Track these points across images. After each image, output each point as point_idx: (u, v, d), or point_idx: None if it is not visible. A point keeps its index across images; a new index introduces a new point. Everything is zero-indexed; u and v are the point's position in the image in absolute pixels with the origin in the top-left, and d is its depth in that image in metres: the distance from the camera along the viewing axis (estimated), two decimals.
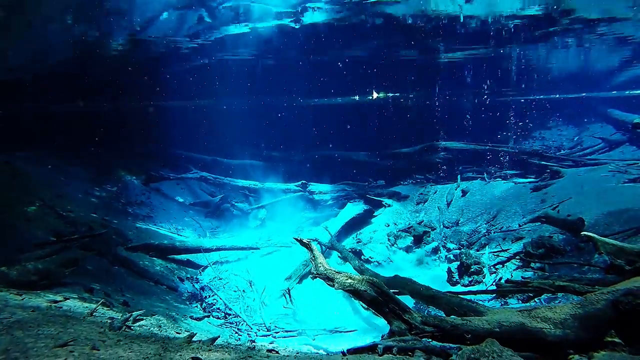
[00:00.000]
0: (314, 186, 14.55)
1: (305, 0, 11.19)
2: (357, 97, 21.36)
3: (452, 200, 12.62)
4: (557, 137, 19.29)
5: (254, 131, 19.84)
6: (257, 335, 6.70)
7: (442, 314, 4.94)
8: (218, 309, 7.64)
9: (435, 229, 11.26)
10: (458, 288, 8.10)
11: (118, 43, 12.72)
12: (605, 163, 12.60)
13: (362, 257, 9.92)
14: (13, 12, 9.25)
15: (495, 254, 8.93)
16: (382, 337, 4.16)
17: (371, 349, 3.67)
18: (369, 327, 7.07)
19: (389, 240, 10.84)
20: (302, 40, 13.61)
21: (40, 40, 11.37)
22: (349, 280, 4.34)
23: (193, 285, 8.37)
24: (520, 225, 9.82)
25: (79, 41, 11.89)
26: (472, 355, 2.80)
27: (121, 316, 4.63)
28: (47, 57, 12.32)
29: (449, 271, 8.67)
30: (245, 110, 21.89)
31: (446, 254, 9.94)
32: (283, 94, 19.79)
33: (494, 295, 7.01)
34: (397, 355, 3.48)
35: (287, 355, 3.95)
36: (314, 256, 4.95)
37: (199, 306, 7.65)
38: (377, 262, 9.92)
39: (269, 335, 6.77)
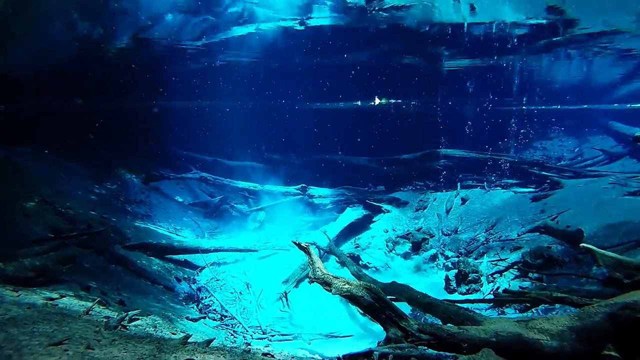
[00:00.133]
0: (314, 190, 14.54)
1: (310, 5, 11.26)
2: (359, 103, 21.39)
3: (451, 208, 12.62)
4: (557, 148, 19.31)
5: (255, 133, 19.86)
6: (252, 338, 6.67)
7: (439, 322, 4.93)
8: (214, 310, 7.61)
9: (434, 236, 11.24)
10: (455, 296, 8.08)
11: (122, 42, 12.77)
12: (605, 175, 12.60)
13: (360, 262, 9.89)
14: (18, 9, 9.28)
15: (493, 262, 8.91)
16: (378, 343, 4.15)
17: (367, 355, 3.66)
18: (365, 333, 7.04)
19: (387, 246, 10.82)
20: (305, 44, 13.67)
21: (44, 38, 11.42)
22: (347, 286, 4.33)
23: (190, 286, 8.35)
24: (519, 235, 9.81)
25: (83, 39, 11.94)
26: None
27: (117, 315, 4.62)
28: (51, 54, 12.35)
29: (447, 279, 8.64)
30: (246, 113, 21.93)
31: (444, 261, 9.92)
32: (285, 97, 19.83)
33: (491, 304, 7.00)
34: None
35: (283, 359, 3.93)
36: (311, 260, 4.94)
37: (195, 307, 7.62)
38: (374, 267, 9.89)
39: (264, 339, 6.74)
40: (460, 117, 19.75)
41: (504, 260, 8.87)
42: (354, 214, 12.52)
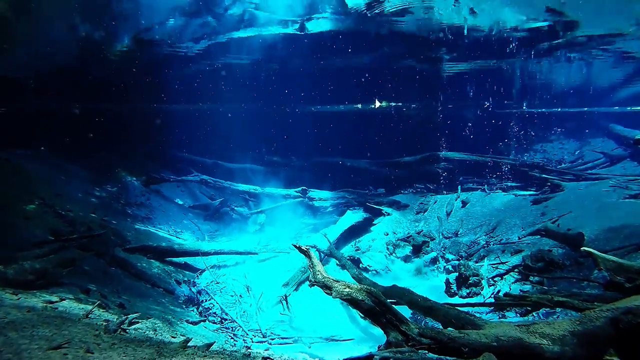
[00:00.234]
0: (314, 192, 14.54)
1: (310, 9, 11.30)
2: (359, 106, 21.41)
3: (452, 211, 12.62)
4: (558, 151, 19.30)
5: (255, 136, 19.87)
6: (252, 342, 6.65)
7: (439, 325, 4.92)
8: (214, 313, 7.59)
9: (434, 239, 11.22)
10: (456, 299, 8.07)
11: (122, 44, 12.80)
12: (606, 178, 12.59)
13: (361, 265, 9.88)
14: (19, 11, 9.30)
15: (494, 266, 8.89)
16: (378, 347, 4.13)
17: (367, 359, 3.64)
18: (366, 337, 7.02)
19: (387, 249, 10.81)
20: (306, 47, 13.70)
21: (44, 39, 11.45)
22: (347, 289, 4.32)
23: (190, 289, 8.33)
24: (519, 238, 9.80)
25: (84, 41, 11.97)
26: None
27: (117, 318, 4.61)
28: (51, 56, 12.38)
29: (447, 282, 8.63)
30: (247, 115, 21.95)
31: (445, 264, 9.90)
32: (286, 100, 19.85)
33: (492, 308, 6.98)
34: None
35: None
36: (312, 264, 4.93)
37: (195, 310, 7.61)
38: (375, 270, 9.88)
39: (264, 342, 6.72)
40: (460, 120, 19.76)
41: (504, 263, 8.85)
42: (354, 216, 12.51)
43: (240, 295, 8.45)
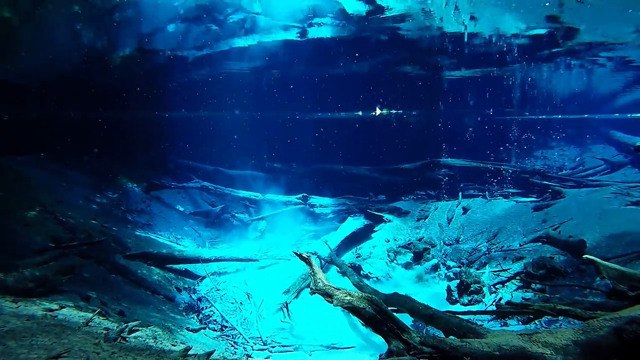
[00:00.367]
0: (315, 199, 14.53)
1: (311, 15, 11.36)
2: (360, 113, 21.48)
3: (453, 218, 12.58)
4: (559, 157, 19.31)
5: (256, 143, 19.92)
6: (253, 349, 6.61)
7: (441, 334, 4.88)
8: (215, 320, 7.55)
9: (435, 246, 11.19)
10: (457, 307, 8.02)
11: (124, 51, 12.87)
12: (607, 185, 12.57)
13: (361, 272, 9.84)
14: (23, 18, 9.38)
15: (495, 273, 8.85)
16: (380, 356, 4.10)
17: None
18: (367, 345, 6.97)
19: (388, 256, 10.77)
20: (307, 54, 13.76)
21: (48, 47, 11.52)
22: (348, 297, 4.30)
23: (190, 296, 8.29)
24: (521, 245, 9.77)
25: (86, 48, 12.04)
26: None
27: (117, 327, 4.58)
28: (54, 63, 12.46)
29: (449, 289, 8.58)
30: (248, 122, 22.02)
31: (446, 271, 9.86)
32: (287, 106, 19.92)
33: (493, 315, 6.93)
34: None
35: None
36: (313, 271, 4.92)
37: (195, 317, 7.57)
38: (376, 277, 9.83)
39: (265, 350, 6.68)
40: (461, 127, 19.80)
41: (506, 270, 8.81)
42: (355, 223, 12.48)
43: (240, 303, 8.40)
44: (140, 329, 5.03)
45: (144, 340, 4.70)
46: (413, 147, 18.42)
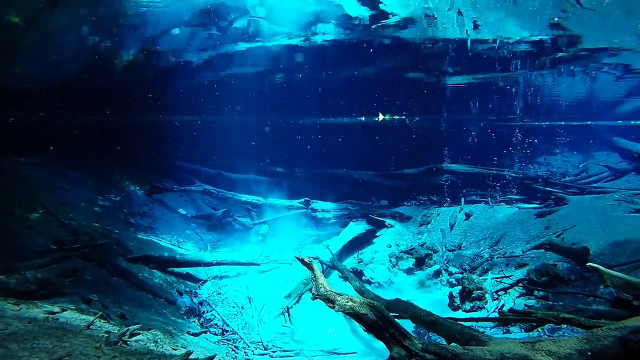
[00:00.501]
0: (317, 204, 14.52)
1: (315, 21, 11.41)
2: (363, 118, 21.51)
3: (455, 223, 12.55)
4: (562, 164, 19.25)
5: (259, 147, 19.96)
6: (254, 354, 6.59)
7: (443, 340, 4.85)
8: (216, 324, 7.53)
9: (437, 251, 11.16)
10: (459, 313, 7.98)
11: (128, 55, 12.94)
12: (611, 192, 12.51)
13: (363, 277, 9.81)
14: (29, 23, 9.46)
15: (497, 279, 8.81)
16: None
17: None
18: (369, 350, 6.94)
19: (390, 261, 10.74)
20: (310, 60, 13.81)
21: (52, 51, 11.60)
22: (350, 303, 4.28)
23: (191, 300, 8.27)
24: (523, 252, 9.72)
25: (90, 53, 12.12)
26: None
27: (118, 330, 4.57)
28: (59, 66, 12.54)
29: (451, 295, 8.54)
30: (251, 126, 22.08)
31: (448, 277, 9.82)
32: (290, 111, 19.97)
33: (496, 323, 6.89)
34: None
35: None
36: (314, 276, 4.89)
37: (196, 321, 7.55)
38: (377, 283, 9.80)
39: (266, 355, 6.65)
40: (464, 133, 19.79)
41: (508, 277, 8.76)
42: (357, 228, 12.47)
43: (242, 307, 8.39)
44: (141, 332, 5.02)
45: (145, 344, 4.69)
46: (416, 152, 18.41)
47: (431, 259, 10.64)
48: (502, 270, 9.19)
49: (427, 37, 12.16)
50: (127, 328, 4.74)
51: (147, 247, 10.01)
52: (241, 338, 7.05)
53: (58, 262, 6.33)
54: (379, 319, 4.08)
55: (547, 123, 21.66)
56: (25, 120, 14.84)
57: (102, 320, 5.00)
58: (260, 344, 6.97)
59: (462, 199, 14.12)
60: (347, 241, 11.57)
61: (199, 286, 9.09)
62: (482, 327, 6.87)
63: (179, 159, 18.18)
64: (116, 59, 12.92)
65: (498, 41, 12.35)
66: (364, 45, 12.73)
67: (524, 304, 7.46)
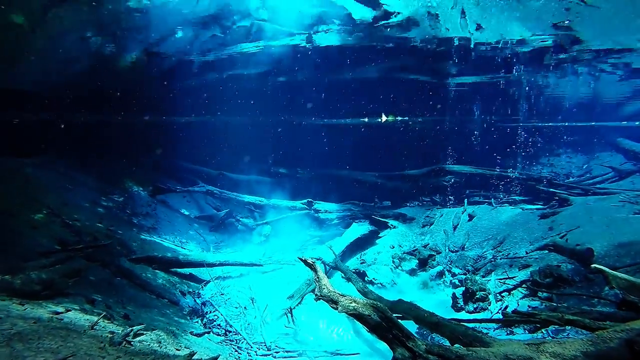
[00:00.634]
0: (320, 204, 14.52)
1: (318, 22, 11.42)
2: (366, 119, 21.47)
3: (458, 224, 12.52)
4: (565, 164, 19.16)
5: (262, 148, 19.96)
6: (257, 355, 6.59)
7: (446, 342, 4.84)
8: (219, 325, 7.54)
9: (440, 252, 11.13)
10: (463, 314, 7.95)
11: (132, 56, 12.99)
12: (615, 193, 12.45)
13: (366, 278, 9.80)
14: (34, 24, 9.51)
15: (501, 281, 8.77)
16: None
17: None
18: (372, 351, 6.93)
19: (393, 262, 10.72)
20: (313, 61, 13.82)
21: (56, 52, 11.66)
22: (353, 304, 4.27)
23: (194, 300, 8.28)
24: (527, 253, 9.68)
25: (94, 54, 12.17)
26: None
27: (122, 330, 4.59)
28: (63, 67, 12.59)
29: (454, 296, 8.52)
30: (253, 127, 22.08)
31: (451, 278, 9.79)
32: (292, 112, 19.96)
33: (499, 324, 6.87)
34: None
35: None
36: (318, 277, 4.89)
37: (199, 322, 7.56)
38: (380, 284, 9.78)
39: (269, 355, 6.65)
40: (467, 134, 19.73)
41: (512, 278, 8.73)
42: (360, 229, 12.45)
43: (244, 307, 8.39)
44: (144, 333, 5.03)
45: (149, 344, 4.70)
46: (418, 153, 18.37)
47: (434, 260, 10.62)
48: (505, 272, 9.16)
49: (430, 38, 12.16)
50: (130, 328, 4.75)
51: (150, 248, 10.03)
52: (244, 338, 7.06)
53: (62, 263, 6.35)
54: (383, 320, 4.08)
55: (550, 124, 21.57)
56: (29, 121, 14.89)
57: (106, 321, 5.02)
58: (263, 344, 6.98)
59: (466, 200, 14.08)
60: (350, 242, 11.56)
61: (202, 287, 9.11)
62: (486, 328, 6.85)
63: (182, 160, 18.22)
64: (120, 60, 12.97)
65: (501, 42, 12.33)
66: (367, 46, 12.73)
67: (528, 305, 7.43)
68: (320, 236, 13.40)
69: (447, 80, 16.45)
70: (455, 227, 12.41)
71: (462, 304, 8.29)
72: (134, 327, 4.84)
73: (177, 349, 4.94)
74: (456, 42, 12.42)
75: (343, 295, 4.46)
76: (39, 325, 3.79)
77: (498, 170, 15.97)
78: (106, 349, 3.50)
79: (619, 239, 8.12)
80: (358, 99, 17.92)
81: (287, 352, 6.82)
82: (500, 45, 12.63)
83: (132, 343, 4.41)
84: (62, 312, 4.69)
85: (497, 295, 8.27)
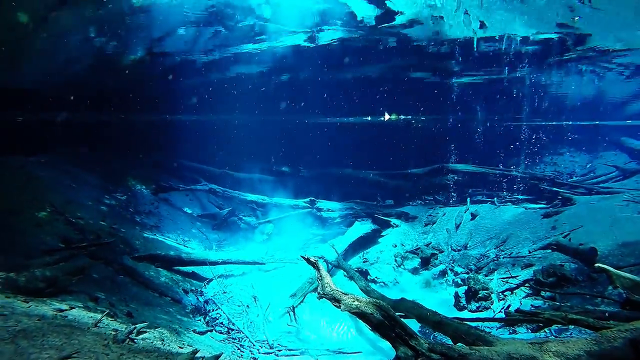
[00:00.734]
0: (322, 203, 14.52)
1: (321, 20, 11.40)
2: (369, 118, 21.46)
3: (461, 223, 12.49)
4: (569, 164, 19.09)
5: (265, 147, 19.99)
6: (259, 353, 6.60)
7: (449, 340, 4.83)
8: (221, 323, 7.55)
9: (443, 251, 11.12)
10: (465, 313, 7.94)
11: (135, 55, 13.01)
12: (619, 192, 12.39)
13: (368, 277, 9.80)
14: (37, 24, 9.54)
15: (504, 280, 8.76)
16: None
17: None
18: (374, 350, 6.93)
19: (395, 261, 10.72)
20: (316, 60, 13.80)
21: (59, 51, 11.69)
22: (356, 303, 4.27)
23: (197, 298, 8.31)
24: (530, 252, 9.65)
25: (96, 53, 12.20)
26: None
27: (125, 328, 4.60)
28: (66, 66, 12.63)
29: (456, 295, 8.51)
30: (256, 126, 22.12)
31: (454, 277, 9.78)
32: (295, 111, 19.97)
33: (502, 323, 6.85)
34: None
35: None
36: (320, 276, 4.89)
37: (202, 320, 7.58)
38: (383, 282, 9.79)
39: (271, 353, 6.66)
40: (470, 132, 19.69)
41: (515, 277, 8.71)
42: (362, 228, 12.45)
43: (247, 306, 8.41)
44: (147, 330, 5.05)
45: (152, 342, 4.72)
46: (421, 152, 18.34)
47: (437, 259, 10.61)
48: (508, 271, 9.14)
49: (433, 36, 12.11)
50: (134, 326, 4.77)
51: (153, 246, 10.06)
52: (247, 337, 7.07)
53: (66, 261, 6.39)
54: (386, 319, 4.08)
55: (554, 123, 21.49)
56: (33, 120, 14.95)
57: (109, 318, 5.04)
58: (266, 342, 6.99)
59: (468, 198, 14.04)
60: (352, 241, 11.56)
61: (205, 285, 9.12)
62: (488, 327, 6.84)
63: (184, 158, 18.26)
64: (123, 59, 12.99)
65: (505, 40, 12.27)
66: (370, 44, 12.70)
67: (531, 305, 7.41)
68: (322, 235, 13.41)
69: (450, 79, 16.40)
70: (457, 226, 12.38)
71: (464, 303, 8.28)
72: (137, 325, 4.86)
73: (180, 347, 4.96)
74: (459, 41, 12.36)
75: (346, 294, 4.46)
76: (43, 322, 3.81)
77: (501, 169, 15.93)
78: (110, 347, 3.52)
79: (622, 238, 8.09)
80: (361, 97, 17.90)
81: (289, 350, 6.83)
82: (503, 44, 12.58)
83: (135, 341, 4.43)
84: (65, 310, 4.71)
85: (500, 294, 8.25)
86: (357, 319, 4.41)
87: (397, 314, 4.28)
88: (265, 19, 11.42)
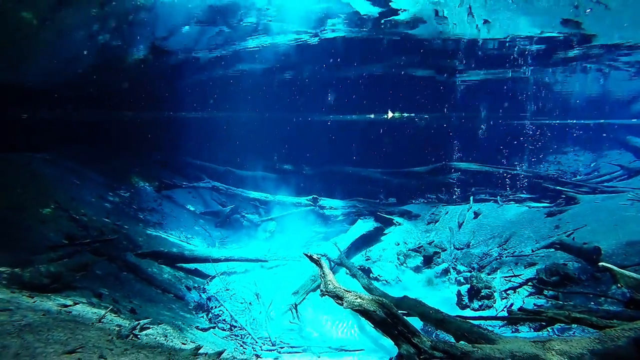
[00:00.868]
0: (325, 201, 14.53)
1: (324, 18, 11.38)
2: (372, 116, 21.42)
3: (463, 222, 12.47)
4: (573, 162, 19.00)
5: (268, 144, 20.00)
6: (262, 350, 6.63)
7: (451, 338, 4.83)
8: (224, 320, 7.59)
9: (445, 250, 11.10)
10: (467, 312, 7.94)
11: (139, 53, 13.02)
12: (623, 191, 12.33)
13: (371, 275, 9.81)
14: (43, 21, 9.57)
15: (507, 278, 8.74)
16: (390, 359, 4.07)
17: None
18: (376, 347, 6.94)
19: (398, 259, 10.72)
20: (319, 57, 13.79)
21: (63, 48, 11.72)
22: (358, 300, 4.28)
23: (200, 295, 8.35)
24: (533, 251, 9.62)
25: (100, 51, 12.22)
26: None
27: (128, 324, 4.63)
28: (70, 64, 12.66)
29: (459, 294, 8.50)
30: (260, 124, 22.13)
31: (456, 276, 9.77)
32: (299, 109, 19.97)
33: (505, 321, 6.85)
34: None
35: None
36: (323, 273, 4.91)
37: (205, 316, 7.62)
38: (385, 280, 9.80)
39: (274, 350, 6.69)
40: (473, 131, 19.63)
41: (518, 276, 8.69)
42: (365, 226, 12.44)
43: (249, 303, 8.44)
44: (151, 326, 5.08)
45: (155, 338, 4.74)
46: (424, 150, 18.31)
47: (439, 257, 10.60)
48: (511, 269, 9.11)
49: (436, 34, 12.08)
50: (137, 322, 4.80)
51: (156, 243, 10.11)
52: (249, 334, 7.10)
53: (70, 257, 6.44)
54: (388, 316, 4.08)
55: (558, 121, 21.38)
56: (38, 117, 15.01)
57: (113, 314, 5.07)
58: (268, 339, 7.02)
59: (471, 197, 14.02)
60: (355, 239, 11.56)
61: (207, 282, 9.17)
62: (491, 326, 6.83)
63: (188, 156, 18.30)
64: (126, 56, 13.01)
65: (509, 38, 12.21)
66: (373, 43, 12.68)
67: (534, 304, 7.39)
68: (325, 232, 13.42)
69: (453, 77, 16.35)
70: (460, 225, 12.36)
71: (467, 301, 8.27)
72: (140, 321, 4.89)
73: (183, 343, 4.99)
74: (463, 39, 12.31)
75: (348, 291, 4.47)
76: (48, 317, 3.84)
77: (504, 167, 15.88)
78: (114, 342, 3.54)
79: (626, 237, 8.05)
80: (364, 95, 17.87)
81: (291, 347, 6.85)
82: (507, 42, 12.52)
83: (138, 336, 4.46)
84: (70, 305, 4.75)
85: (503, 293, 8.24)
86: (360, 316, 4.41)
87: (399, 311, 4.28)
88: (268, 17, 11.41)
